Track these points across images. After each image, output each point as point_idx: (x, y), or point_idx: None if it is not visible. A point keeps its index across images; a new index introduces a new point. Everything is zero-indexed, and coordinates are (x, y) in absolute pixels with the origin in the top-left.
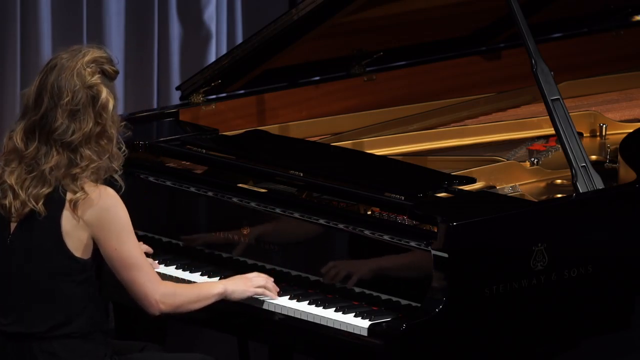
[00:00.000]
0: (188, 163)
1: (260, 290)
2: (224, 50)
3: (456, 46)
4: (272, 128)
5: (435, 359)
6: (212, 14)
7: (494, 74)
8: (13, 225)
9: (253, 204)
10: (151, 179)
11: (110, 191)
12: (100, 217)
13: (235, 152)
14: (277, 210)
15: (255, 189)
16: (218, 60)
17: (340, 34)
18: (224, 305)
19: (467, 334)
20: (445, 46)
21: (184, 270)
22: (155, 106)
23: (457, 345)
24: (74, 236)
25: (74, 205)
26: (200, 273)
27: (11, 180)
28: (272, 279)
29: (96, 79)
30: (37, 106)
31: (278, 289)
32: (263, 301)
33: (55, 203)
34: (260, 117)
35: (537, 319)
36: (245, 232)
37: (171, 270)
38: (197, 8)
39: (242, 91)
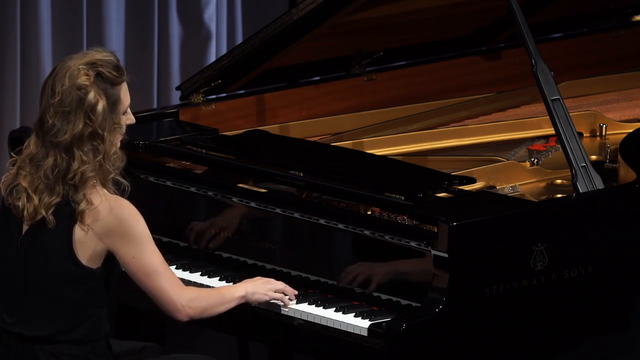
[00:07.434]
0: (188, 163)
1: (279, 295)
2: (224, 50)
3: (456, 46)
4: (272, 128)
5: (435, 359)
6: (212, 14)
7: (494, 74)
8: (25, 227)
9: (253, 204)
10: (151, 179)
11: (124, 201)
12: (115, 228)
13: (235, 152)
14: (277, 210)
15: (255, 189)
16: (218, 60)
17: (340, 34)
18: None
19: (467, 333)
20: (446, 46)
21: (184, 270)
22: (155, 106)
23: (457, 345)
24: (87, 245)
25: (81, 216)
26: (200, 273)
27: (25, 183)
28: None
29: (85, 79)
30: (40, 107)
31: (296, 292)
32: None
33: (65, 213)
34: (260, 117)
35: (537, 319)
36: (245, 232)
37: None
38: (197, 8)
39: (242, 91)
